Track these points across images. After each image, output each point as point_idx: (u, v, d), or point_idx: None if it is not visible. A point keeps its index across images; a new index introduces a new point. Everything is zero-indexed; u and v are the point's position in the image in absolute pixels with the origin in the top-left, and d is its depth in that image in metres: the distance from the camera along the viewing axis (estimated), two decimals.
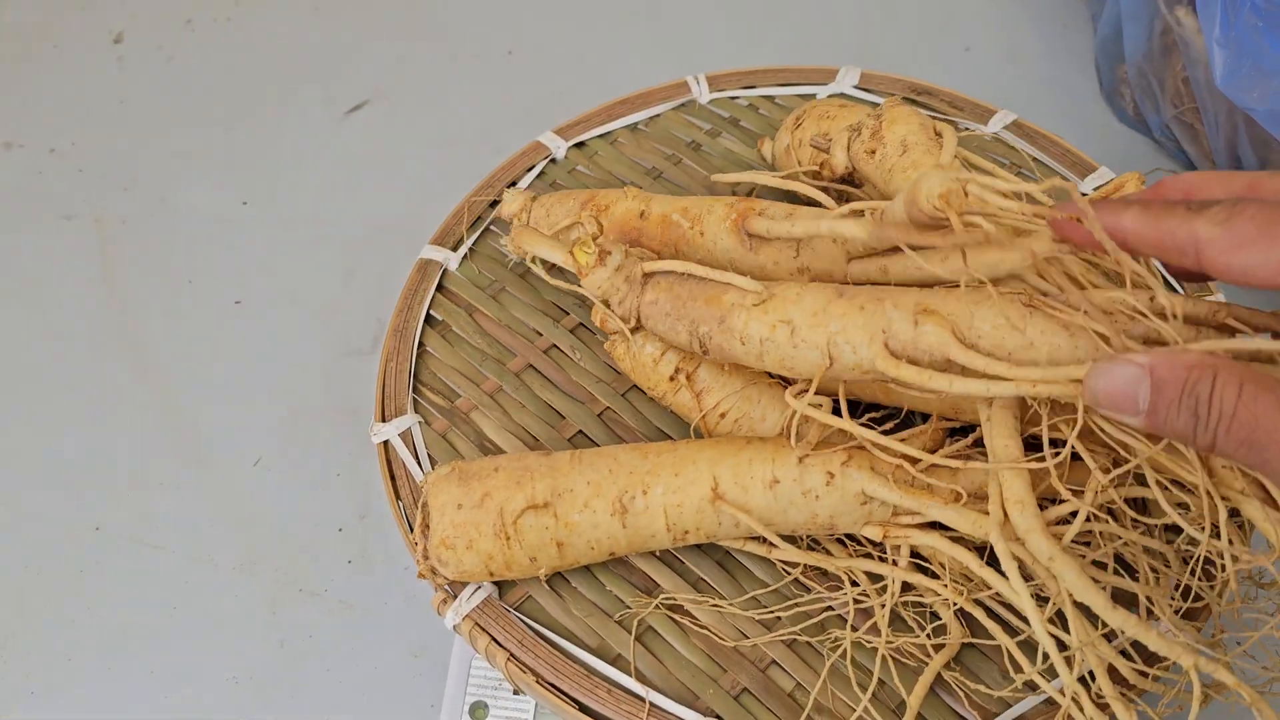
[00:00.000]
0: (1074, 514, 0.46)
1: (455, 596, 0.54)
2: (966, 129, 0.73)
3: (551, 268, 0.63)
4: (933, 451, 0.50)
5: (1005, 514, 0.46)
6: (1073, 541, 0.49)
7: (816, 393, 0.49)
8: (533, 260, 0.58)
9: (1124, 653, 0.49)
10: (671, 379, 0.56)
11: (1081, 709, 0.45)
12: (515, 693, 0.61)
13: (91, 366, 0.78)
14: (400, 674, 0.64)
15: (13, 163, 0.91)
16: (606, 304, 0.54)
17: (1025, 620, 0.50)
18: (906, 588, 0.52)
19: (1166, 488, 0.46)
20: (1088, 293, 0.45)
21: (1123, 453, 0.44)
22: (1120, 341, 0.42)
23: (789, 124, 0.67)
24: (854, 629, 0.52)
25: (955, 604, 0.50)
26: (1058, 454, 0.45)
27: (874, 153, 0.58)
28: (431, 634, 0.65)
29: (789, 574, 0.54)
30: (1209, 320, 0.44)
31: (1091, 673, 0.45)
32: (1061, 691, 0.47)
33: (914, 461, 0.49)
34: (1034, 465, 0.45)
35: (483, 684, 0.61)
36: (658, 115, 0.77)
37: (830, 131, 0.63)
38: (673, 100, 0.77)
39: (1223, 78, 0.66)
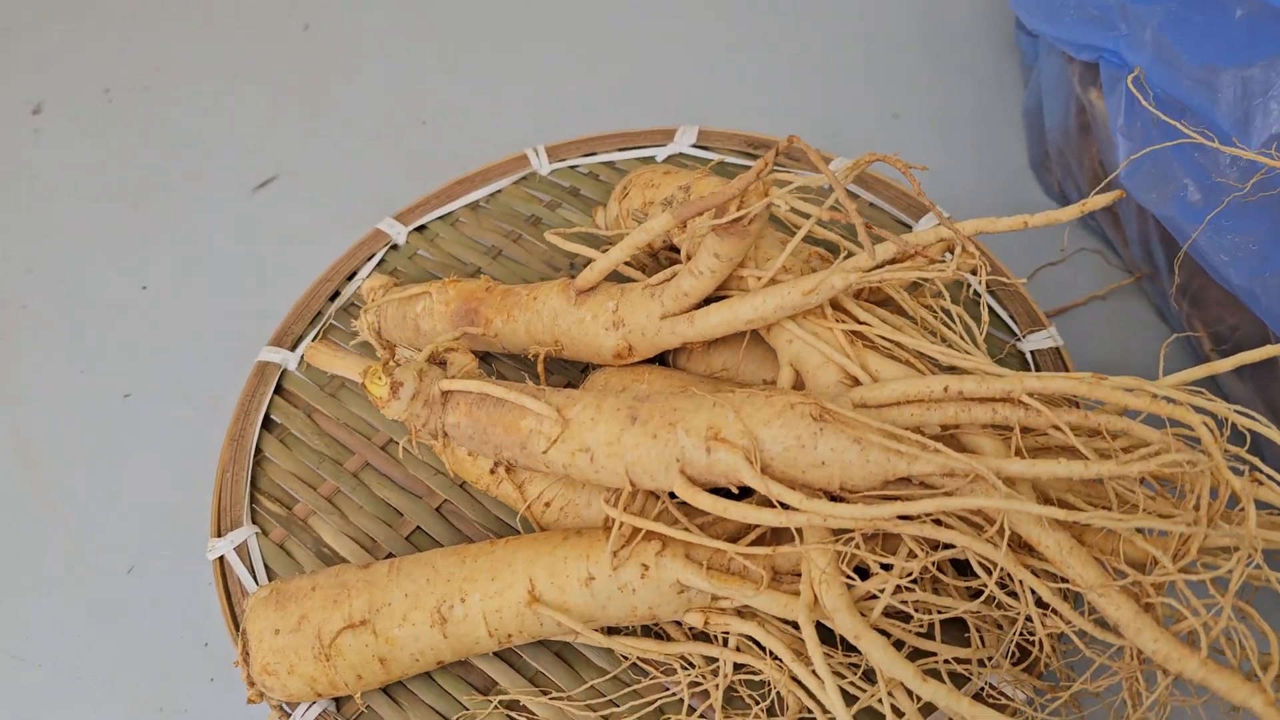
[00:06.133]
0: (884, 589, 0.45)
1: (290, 715, 0.53)
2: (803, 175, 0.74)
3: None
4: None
5: (815, 595, 0.46)
6: (895, 615, 0.49)
7: None
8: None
9: None
10: (492, 472, 0.55)
11: None
12: None
13: None
14: None
15: None
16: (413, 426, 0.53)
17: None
18: (739, 666, 0.52)
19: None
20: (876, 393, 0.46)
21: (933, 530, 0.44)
22: (911, 451, 0.43)
23: (617, 194, 0.67)
24: (691, 709, 0.51)
25: (781, 682, 0.49)
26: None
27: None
28: None
29: (626, 659, 0.54)
30: (1004, 397, 0.45)
31: None
32: None
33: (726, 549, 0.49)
34: (839, 547, 0.45)
35: None
36: (498, 191, 0.76)
37: (654, 201, 0.63)
38: (513, 174, 0.77)
39: (1125, 172, 0.64)
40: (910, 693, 0.46)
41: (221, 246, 0.88)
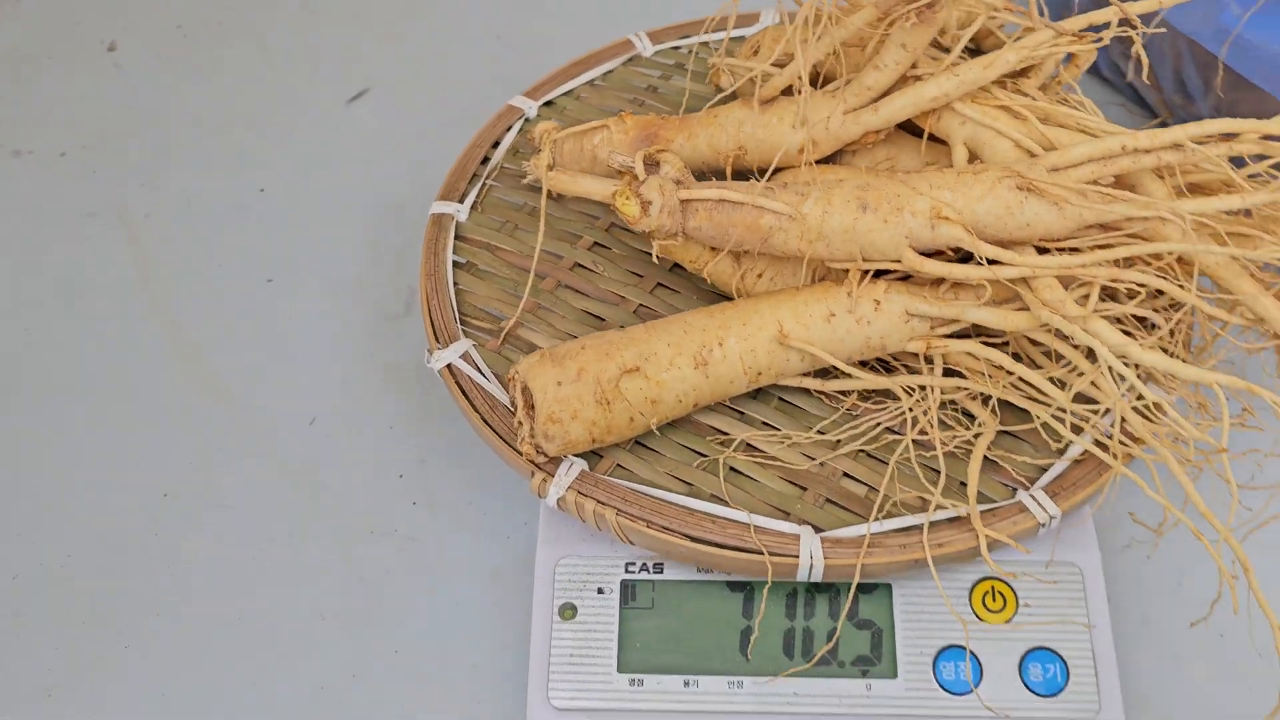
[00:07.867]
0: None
1: (552, 476, 0.60)
2: None
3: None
4: None
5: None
6: None
7: None
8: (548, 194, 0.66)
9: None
10: (711, 249, 0.64)
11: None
12: (599, 591, 0.64)
13: (136, 354, 0.80)
14: (482, 596, 0.68)
15: (24, 168, 0.93)
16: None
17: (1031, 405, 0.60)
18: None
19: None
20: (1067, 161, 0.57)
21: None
22: (1096, 212, 0.54)
23: (745, 53, 0.76)
24: (903, 434, 0.61)
25: (990, 396, 0.60)
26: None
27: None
28: (505, 559, 0.69)
29: (839, 406, 0.63)
30: (1170, 145, 0.56)
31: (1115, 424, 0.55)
32: (1099, 444, 0.57)
33: (941, 283, 0.59)
34: (1060, 259, 0.56)
35: (568, 586, 0.63)
36: (610, 71, 0.85)
37: (790, 51, 0.73)
38: (620, 56, 0.85)
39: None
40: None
41: (327, 151, 0.94)
